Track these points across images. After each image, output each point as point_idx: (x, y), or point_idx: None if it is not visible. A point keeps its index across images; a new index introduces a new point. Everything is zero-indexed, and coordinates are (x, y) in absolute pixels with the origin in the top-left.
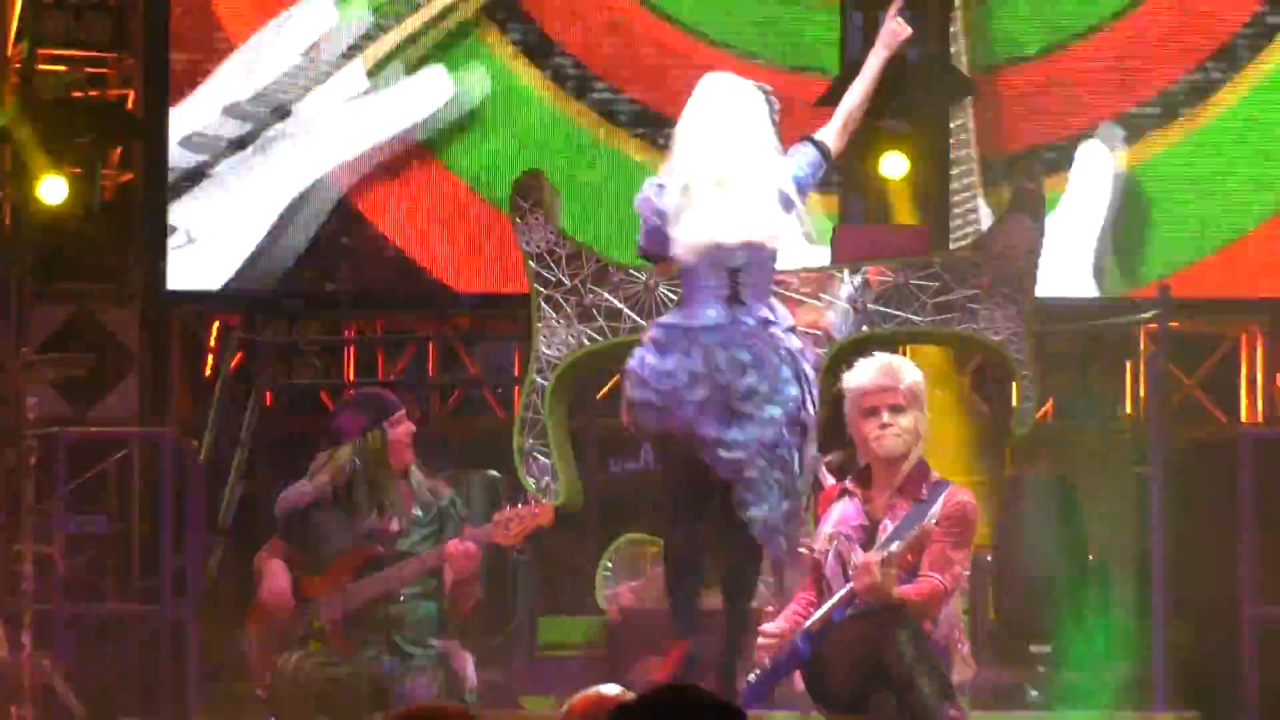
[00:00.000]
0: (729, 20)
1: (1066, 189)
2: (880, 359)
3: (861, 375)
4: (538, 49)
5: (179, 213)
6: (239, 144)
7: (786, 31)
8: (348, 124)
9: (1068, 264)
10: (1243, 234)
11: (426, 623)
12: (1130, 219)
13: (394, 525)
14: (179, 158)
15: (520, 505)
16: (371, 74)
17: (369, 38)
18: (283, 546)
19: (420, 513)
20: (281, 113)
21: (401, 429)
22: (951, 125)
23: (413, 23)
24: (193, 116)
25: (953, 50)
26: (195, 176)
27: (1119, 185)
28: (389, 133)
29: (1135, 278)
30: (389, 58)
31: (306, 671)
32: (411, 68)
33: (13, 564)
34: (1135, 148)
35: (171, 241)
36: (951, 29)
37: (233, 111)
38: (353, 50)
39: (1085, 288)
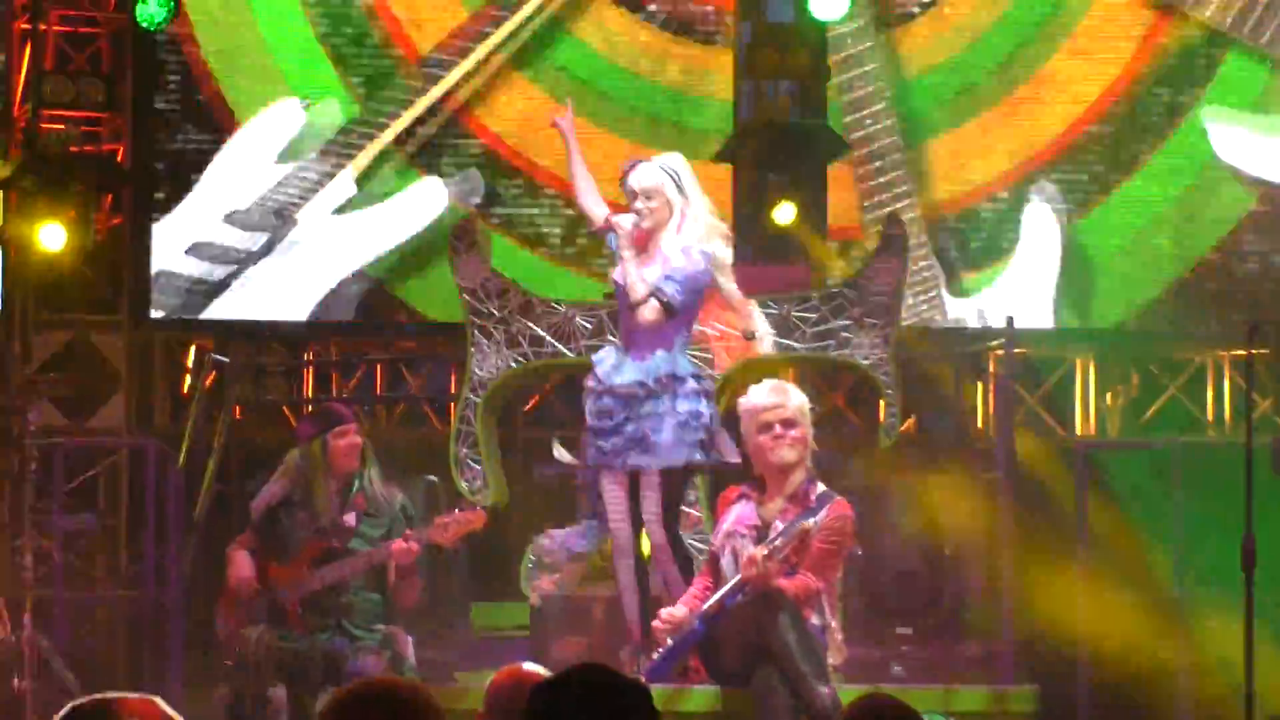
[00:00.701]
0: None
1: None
2: (770, 383)
3: (756, 397)
4: None
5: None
6: (263, 252)
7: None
8: (349, 235)
9: (1030, 307)
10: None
11: (373, 610)
12: (1073, 270)
13: (350, 521)
14: (190, 266)
15: (457, 511)
16: (360, 181)
17: (347, 138)
18: (252, 539)
19: (373, 513)
20: (288, 220)
21: (344, 441)
22: (902, 188)
23: (396, 127)
24: (193, 224)
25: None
26: (220, 288)
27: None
28: (390, 244)
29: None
30: (378, 163)
31: (268, 644)
32: (401, 173)
33: (15, 556)
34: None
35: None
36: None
37: (235, 220)
38: (341, 155)
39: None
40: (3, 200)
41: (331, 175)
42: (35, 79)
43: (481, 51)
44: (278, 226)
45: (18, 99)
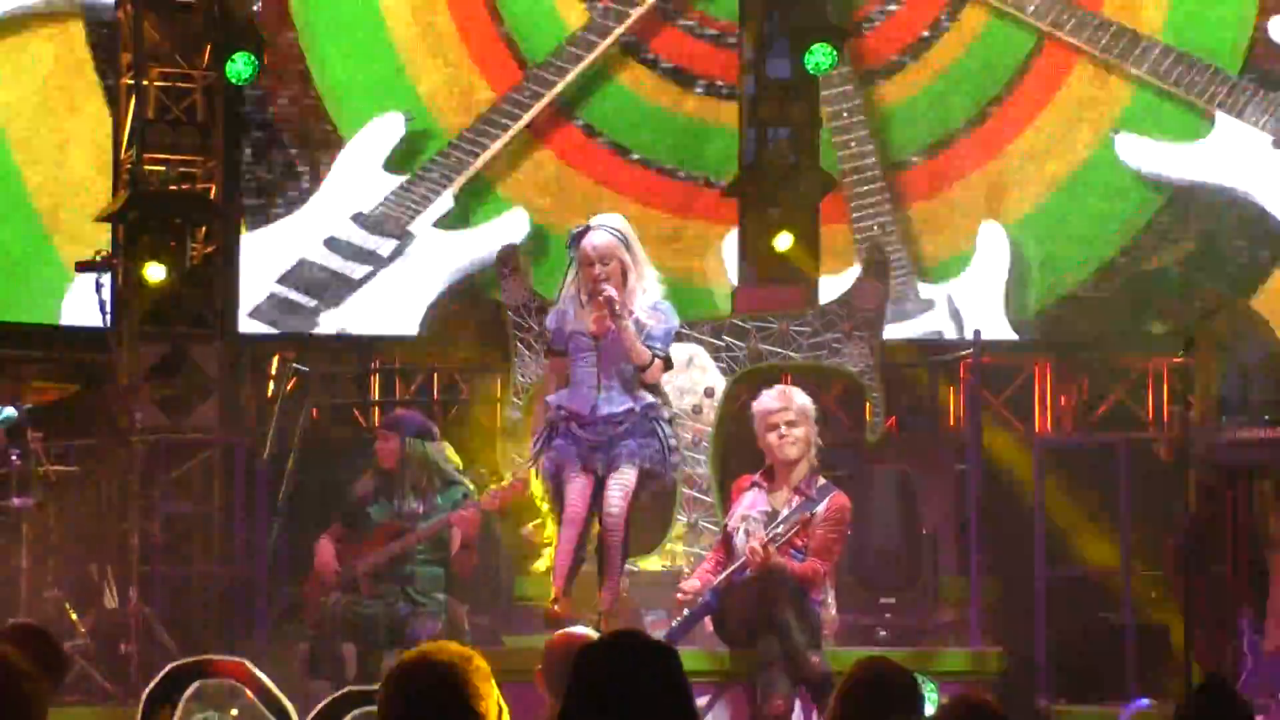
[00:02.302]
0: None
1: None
2: (779, 388)
3: (765, 401)
4: None
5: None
6: (393, 258)
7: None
8: (445, 251)
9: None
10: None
11: (433, 580)
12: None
13: (419, 508)
14: (331, 260)
15: (504, 485)
16: (458, 197)
17: (446, 156)
18: (338, 530)
19: (440, 499)
20: (401, 232)
21: (380, 445)
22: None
23: (492, 149)
24: (324, 219)
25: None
26: (357, 286)
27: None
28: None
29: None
30: (472, 183)
31: (343, 608)
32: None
33: (123, 537)
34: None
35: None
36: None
37: (362, 222)
38: (445, 175)
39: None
40: (112, 231)
41: (436, 192)
42: (139, 128)
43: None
44: (400, 235)
45: (124, 145)
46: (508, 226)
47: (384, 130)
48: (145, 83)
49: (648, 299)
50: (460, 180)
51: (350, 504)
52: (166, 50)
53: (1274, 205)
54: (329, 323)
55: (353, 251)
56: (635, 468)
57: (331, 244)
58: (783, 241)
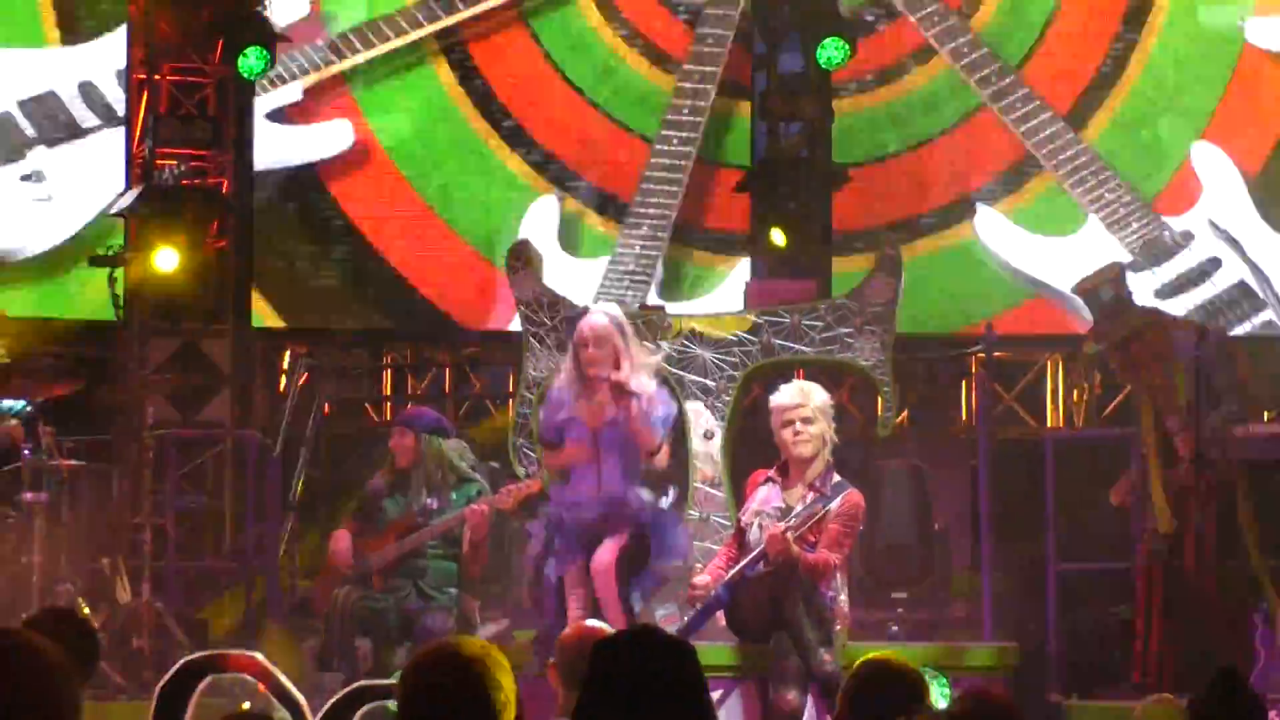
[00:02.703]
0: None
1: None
2: (798, 384)
3: (781, 396)
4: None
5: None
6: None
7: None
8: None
9: None
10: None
11: (446, 575)
12: None
13: (433, 504)
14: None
15: (521, 481)
16: (307, 91)
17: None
18: (352, 524)
19: (455, 495)
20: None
21: (395, 443)
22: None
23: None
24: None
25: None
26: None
27: None
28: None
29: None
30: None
31: (354, 602)
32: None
33: (135, 532)
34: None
35: None
36: None
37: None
38: (302, 67)
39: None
40: (124, 226)
41: (284, 80)
42: (151, 122)
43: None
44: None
45: (136, 140)
46: (333, 134)
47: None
48: (157, 78)
49: (648, 385)
50: (314, 77)
51: (364, 499)
52: (178, 45)
53: None
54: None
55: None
56: (629, 537)
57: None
58: (776, 238)
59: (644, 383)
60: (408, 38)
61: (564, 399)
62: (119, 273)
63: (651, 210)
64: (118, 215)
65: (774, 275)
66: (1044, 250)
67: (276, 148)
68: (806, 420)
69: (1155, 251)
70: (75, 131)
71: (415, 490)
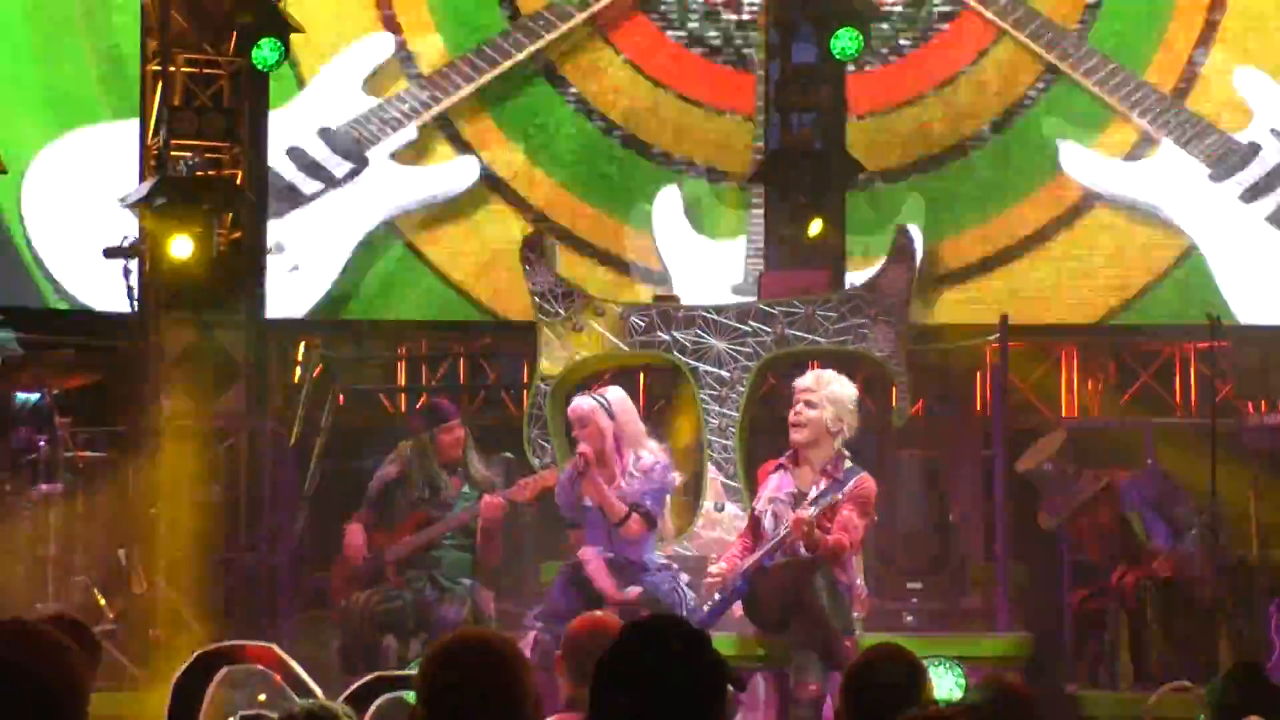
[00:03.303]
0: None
1: None
2: (817, 372)
3: (804, 377)
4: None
5: (283, 229)
6: (346, 180)
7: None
8: (392, 184)
9: None
10: None
11: (460, 565)
12: None
13: (452, 496)
14: (287, 169)
15: (535, 474)
16: (421, 129)
17: (432, 86)
18: (367, 514)
19: (468, 489)
20: (358, 156)
21: (450, 435)
22: None
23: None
24: (290, 128)
25: None
26: (305, 201)
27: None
28: (420, 200)
29: None
30: (438, 120)
31: (372, 605)
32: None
33: (151, 523)
34: None
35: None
36: None
37: (326, 137)
38: (414, 107)
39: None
40: (139, 217)
41: (401, 122)
42: (165, 114)
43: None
44: (359, 159)
45: (150, 131)
46: (458, 171)
47: (371, 49)
48: (171, 69)
49: (640, 463)
50: (427, 115)
51: (377, 490)
52: (193, 37)
53: None
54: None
55: (309, 165)
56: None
57: (293, 153)
58: (813, 227)
59: (638, 463)
60: (510, 61)
61: (576, 483)
62: (132, 264)
63: (433, 88)
64: (130, 206)
65: (788, 267)
66: (1130, 173)
67: (404, 188)
68: (809, 404)
69: (1231, 162)
70: (298, 199)
71: (435, 482)
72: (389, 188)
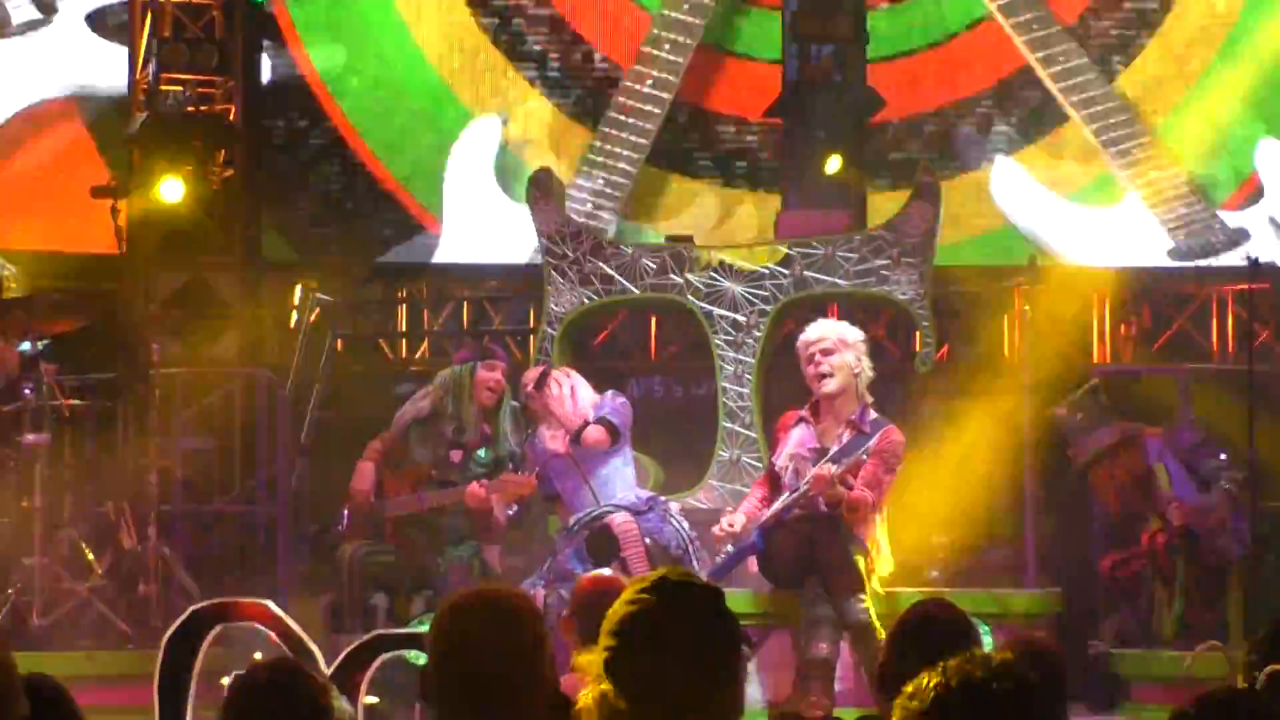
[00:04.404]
0: None
1: None
2: (821, 321)
3: (805, 333)
4: None
5: None
6: None
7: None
8: None
9: None
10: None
11: (462, 530)
12: None
13: (455, 459)
14: None
15: (518, 474)
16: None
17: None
18: (383, 446)
19: (484, 454)
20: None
21: (489, 374)
22: None
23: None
24: None
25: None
26: None
27: None
28: None
29: None
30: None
31: (361, 558)
32: None
33: (142, 474)
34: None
35: None
36: None
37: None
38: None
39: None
40: (128, 155)
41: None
42: (155, 47)
43: None
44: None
45: (139, 65)
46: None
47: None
48: (161, 0)
49: (588, 401)
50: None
51: (402, 425)
52: None
53: None
54: None
55: None
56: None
57: None
58: (831, 164)
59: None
60: None
61: (537, 443)
62: (121, 204)
63: (631, 131)
64: (120, 144)
65: (807, 206)
66: (1067, 216)
67: None
68: (826, 351)
69: (1199, 243)
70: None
71: (467, 419)
72: None
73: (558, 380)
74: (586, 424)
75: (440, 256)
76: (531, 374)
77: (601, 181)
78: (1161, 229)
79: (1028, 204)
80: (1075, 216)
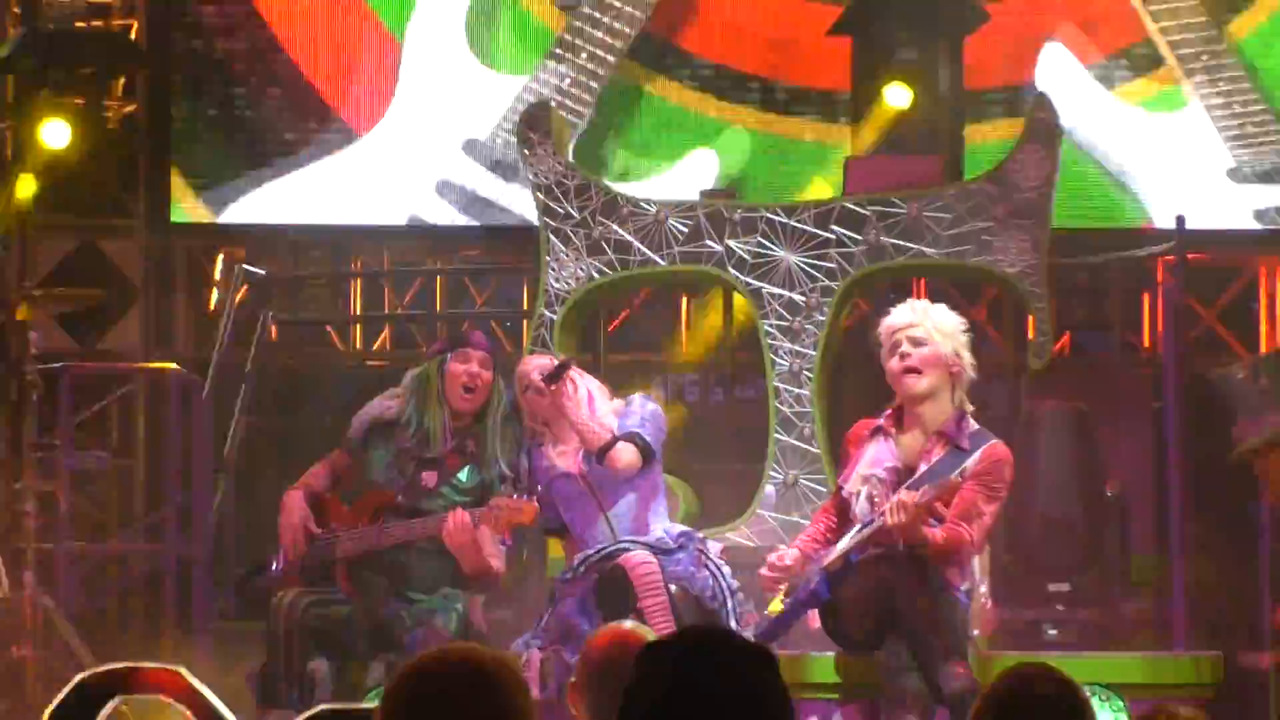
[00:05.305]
0: None
1: None
2: (911, 302)
3: (891, 317)
4: None
5: None
6: None
7: None
8: None
9: None
10: None
11: (439, 575)
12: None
13: (429, 482)
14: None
15: (514, 497)
16: None
17: None
18: (328, 467)
19: (465, 477)
20: None
21: (463, 368)
22: None
23: None
24: None
25: None
26: None
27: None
28: None
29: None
30: None
31: (301, 611)
32: None
33: (15, 501)
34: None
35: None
36: None
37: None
38: None
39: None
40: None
41: None
42: None
43: None
44: None
45: None
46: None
47: None
48: None
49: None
50: None
51: (360, 434)
52: None
53: None
54: None
55: None
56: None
57: None
58: (896, 96)
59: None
60: None
61: (543, 461)
62: None
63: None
64: None
65: (884, 149)
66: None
67: None
68: (917, 341)
69: (1267, 167)
70: None
71: (433, 430)
72: None
73: (574, 379)
74: (615, 441)
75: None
76: (540, 363)
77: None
78: (1224, 144)
79: (1082, 103)
80: (1132, 120)
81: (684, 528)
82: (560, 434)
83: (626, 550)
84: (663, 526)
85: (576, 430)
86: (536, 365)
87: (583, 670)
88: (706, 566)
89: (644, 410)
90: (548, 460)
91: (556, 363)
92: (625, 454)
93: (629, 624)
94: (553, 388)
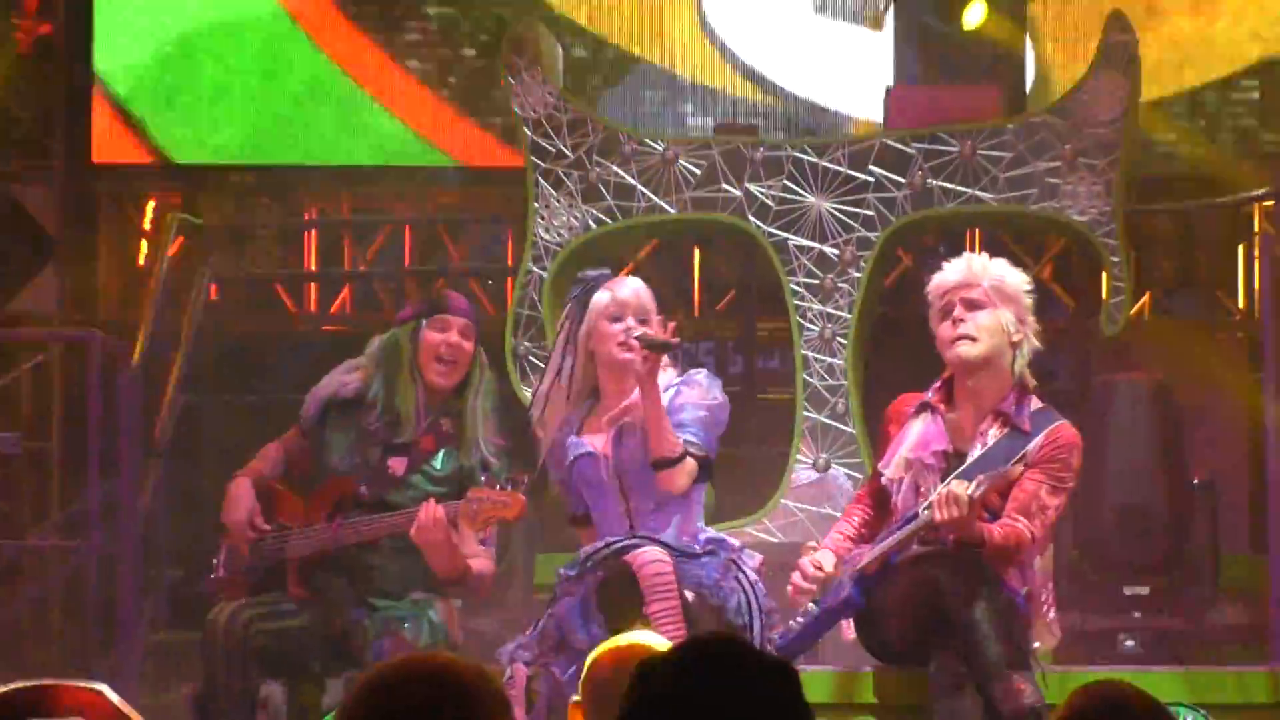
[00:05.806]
0: None
1: None
2: (968, 256)
3: (944, 273)
4: None
5: None
6: None
7: None
8: None
9: None
10: None
11: (407, 576)
12: None
13: (397, 469)
14: None
15: (496, 488)
16: None
17: None
18: (279, 450)
19: (440, 461)
20: None
21: (439, 337)
22: None
23: None
24: None
25: None
26: None
27: None
28: None
29: None
30: None
31: (245, 623)
32: None
33: None
34: None
35: None
36: None
37: None
38: None
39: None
40: None
41: None
42: None
43: None
44: None
45: None
46: None
47: None
48: None
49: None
50: None
51: (315, 413)
52: None
53: None
54: None
55: None
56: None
57: None
58: (973, 14)
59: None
60: None
61: (572, 421)
62: None
63: None
64: None
65: (939, 77)
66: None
67: None
68: (972, 304)
69: None
70: None
71: (403, 408)
72: None
73: (667, 366)
74: (684, 456)
75: None
76: (637, 304)
77: None
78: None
79: None
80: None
81: (718, 534)
82: (606, 401)
83: (637, 547)
84: (693, 528)
85: (653, 425)
86: (635, 308)
87: (588, 688)
88: (737, 579)
89: (708, 397)
90: (578, 440)
91: (669, 334)
92: (683, 477)
93: (642, 636)
94: (646, 355)
